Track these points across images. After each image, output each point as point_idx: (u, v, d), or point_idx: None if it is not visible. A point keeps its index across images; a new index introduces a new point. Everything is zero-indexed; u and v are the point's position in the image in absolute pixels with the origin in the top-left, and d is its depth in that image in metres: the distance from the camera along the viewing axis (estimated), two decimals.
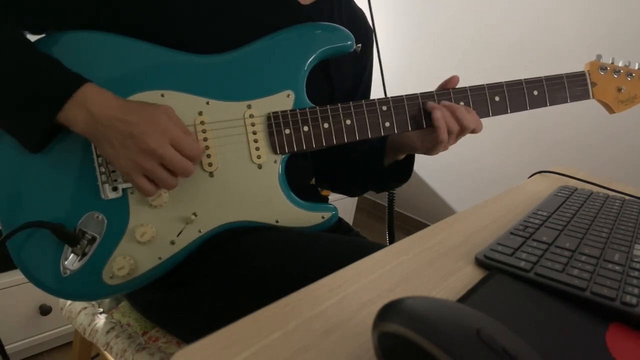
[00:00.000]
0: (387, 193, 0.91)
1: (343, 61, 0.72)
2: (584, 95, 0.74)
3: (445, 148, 0.69)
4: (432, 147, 0.70)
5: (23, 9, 0.57)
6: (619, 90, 0.75)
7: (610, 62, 0.75)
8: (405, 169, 0.78)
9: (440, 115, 0.65)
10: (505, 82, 0.70)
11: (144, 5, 0.59)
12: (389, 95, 0.69)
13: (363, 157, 0.80)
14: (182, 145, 0.54)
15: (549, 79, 0.71)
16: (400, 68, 2.40)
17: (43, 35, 0.59)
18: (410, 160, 0.78)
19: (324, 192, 2.15)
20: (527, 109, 0.71)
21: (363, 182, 0.84)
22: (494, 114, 0.70)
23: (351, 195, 0.94)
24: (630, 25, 1.66)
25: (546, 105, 0.72)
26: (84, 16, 0.59)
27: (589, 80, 0.74)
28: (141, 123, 0.52)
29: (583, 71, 0.74)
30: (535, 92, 0.71)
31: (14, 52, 0.53)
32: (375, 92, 0.80)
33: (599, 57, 0.75)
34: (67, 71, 0.54)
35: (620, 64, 0.75)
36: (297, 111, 0.63)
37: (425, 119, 0.68)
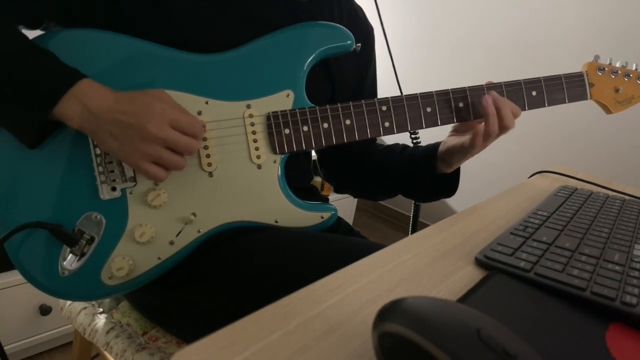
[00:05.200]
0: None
1: (344, 60, 0.72)
2: (582, 96, 0.74)
3: (484, 146, 0.68)
4: (470, 146, 0.68)
5: (16, 1, 0.57)
6: (617, 90, 0.75)
7: (607, 62, 0.75)
8: (453, 181, 0.78)
9: (490, 101, 0.65)
10: (503, 82, 0.70)
11: (141, 3, 0.59)
12: (396, 93, 0.68)
13: (409, 167, 0.78)
14: (182, 125, 0.54)
15: (547, 79, 0.71)
16: (400, 67, 2.40)
17: (40, 33, 0.59)
18: (457, 173, 0.77)
19: (324, 192, 2.15)
20: (525, 110, 0.71)
21: (402, 191, 0.83)
22: None
23: (377, 200, 0.94)
24: (629, 26, 1.66)
25: (544, 106, 0.72)
26: (78, 12, 0.58)
27: (586, 81, 0.74)
28: (137, 111, 0.52)
29: (581, 72, 0.74)
30: (534, 93, 0.71)
31: (10, 46, 0.52)
32: (388, 90, 0.80)
33: (597, 57, 0.75)
34: (64, 66, 0.54)
35: (617, 65, 0.75)
36: (296, 111, 0.63)
37: (425, 120, 0.68)
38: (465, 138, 0.69)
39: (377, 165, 0.82)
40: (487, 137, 0.66)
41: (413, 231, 0.94)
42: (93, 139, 0.55)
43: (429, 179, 0.77)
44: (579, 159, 1.85)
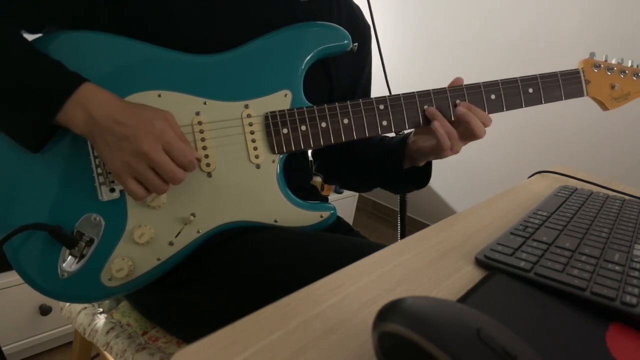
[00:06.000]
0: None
1: (341, 60, 0.72)
2: (579, 93, 0.74)
3: (455, 152, 0.68)
4: (438, 151, 0.69)
5: (18, 3, 0.57)
6: (613, 87, 0.75)
7: (603, 59, 0.75)
8: (424, 175, 0.78)
9: (438, 124, 0.66)
10: (500, 80, 0.70)
11: (142, 4, 0.59)
12: (387, 93, 0.68)
13: (381, 159, 0.79)
14: (174, 152, 0.53)
15: (543, 76, 0.71)
16: (398, 66, 2.41)
17: (40, 34, 0.59)
18: (428, 167, 0.78)
19: (324, 192, 2.15)
20: (522, 107, 0.71)
21: (378, 183, 0.84)
22: (490, 112, 0.70)
23: (360, 192, 0.95)
24: (624, 23, 1.66)
25: (541, 103, 0.72)
26: (79, 13, 0.58)
27: (583, 78, 0.74)
28: (137, 126, 0.52)
29: (577, 69, 0.74)
30: (531, 90, 0.71)
31: (11, 52, 0.52)
32: (379, 90, 0.80)
33: (593, 54, 0.75)
34: (65, 71, 0.53)
35: (613, 62, 0.75)
36: (294, 110, 0.63)
37: (423, 118, 0.68)
38: (434, 142, 0.69)
39: (357, 157, 0.83)
40: (460, 141, 0.67)
41: (402, 229, 0.94)
42: (90, 142, 0.55)
43: (399, 172, 0.78)
44: (579, 159, 1.86)
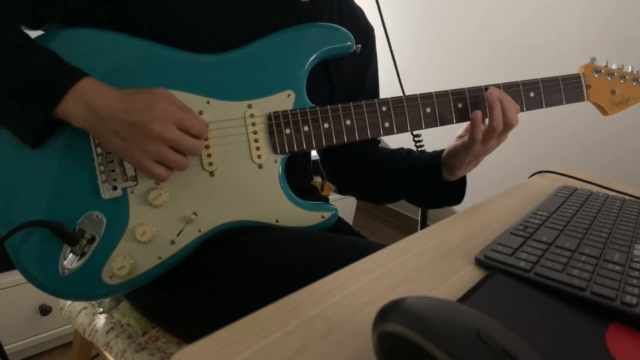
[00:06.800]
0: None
1: (343, 61, 0.72)
2: (579, 98, 0.74)
3: (487, 149, 0.68)
4: (469, 146, 0.68)
5: (17, 2, 0.57)
6: (613, 92, 0.75)
7: (604, 64, 0.75)
8: (458, 189, 0.77)
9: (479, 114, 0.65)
10: (502, 83, 0.70)
11: (141, 4, 0.59)
12: (397, 94, 0.69)
13: (414, 170, 0.78)
14: (187, 125, 0.54)
15: (545, 81, 0.71)
16: (400, 68, 2.40)
17: (42, 32, 0.59)
18: (462, 181, 0.77)
19: (324, 192, 2.15)
20: (523, 111, 0.71)
21: (404, 195, 0.83)
22: None
23: (380, 204, 0.93)
24: (624, 24, 1.66)
25: (542, 107, 0.72)
26: (78, 12, 0.58)
27: (583, 83, 0.74)
28: (141, 110, 0.52)
29: (578, 74, 0.74)
30: (532, 94, 0.71)
31: (11, 46, 0.52)
32: (386, 90, 0.80)
33: (594, 59, 0.76)
34: (65, 65, 0.53)
35: (614, 67, 0.76)
36: (297, 111, 0.63)
37: (424, 120, 0.68)
38: (466, 137, 0.69)
39: (380, 168, 0.82)
40: (491, 133, 0.66)
41: (422, 220, 0.94)
42: (96, 137, 0.55)
43: (434, 186, 0.77)
44: (579, 159, 1.85)
